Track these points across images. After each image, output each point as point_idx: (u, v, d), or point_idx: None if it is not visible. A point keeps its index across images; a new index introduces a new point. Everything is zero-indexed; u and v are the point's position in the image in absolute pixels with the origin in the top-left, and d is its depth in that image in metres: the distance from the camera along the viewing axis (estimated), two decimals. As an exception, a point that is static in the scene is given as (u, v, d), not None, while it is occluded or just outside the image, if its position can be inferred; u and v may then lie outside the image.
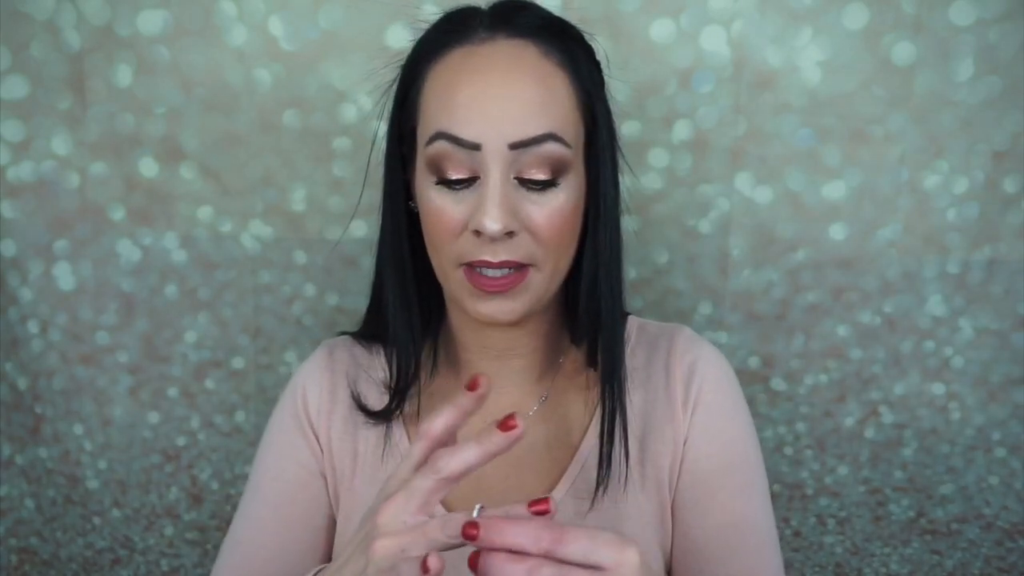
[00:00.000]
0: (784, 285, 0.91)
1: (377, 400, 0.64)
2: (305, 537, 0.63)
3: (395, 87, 0.59)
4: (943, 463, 0.98)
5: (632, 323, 0.68)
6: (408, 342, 0.62)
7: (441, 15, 0.57)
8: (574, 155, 0.53)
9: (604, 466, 0.57)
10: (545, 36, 0.54)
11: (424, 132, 0.54)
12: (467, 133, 0.51)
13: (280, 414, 0.67)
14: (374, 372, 0.66)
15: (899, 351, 0.93)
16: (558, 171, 0.52)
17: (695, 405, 0.62)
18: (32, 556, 1.07)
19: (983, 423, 0.95)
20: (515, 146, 0.51)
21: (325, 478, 0.64)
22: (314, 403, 0.65)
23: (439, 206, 0.53)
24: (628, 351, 0.65)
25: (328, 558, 0.64)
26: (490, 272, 0.52)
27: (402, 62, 0.59)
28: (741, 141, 0.86)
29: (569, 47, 0.55)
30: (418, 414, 0.63)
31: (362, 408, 0.63)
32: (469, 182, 0.52)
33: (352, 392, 0.65)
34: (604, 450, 0.58)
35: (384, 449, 0.63)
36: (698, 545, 0.59)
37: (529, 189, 0.52)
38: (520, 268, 0.53)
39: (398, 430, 0.63)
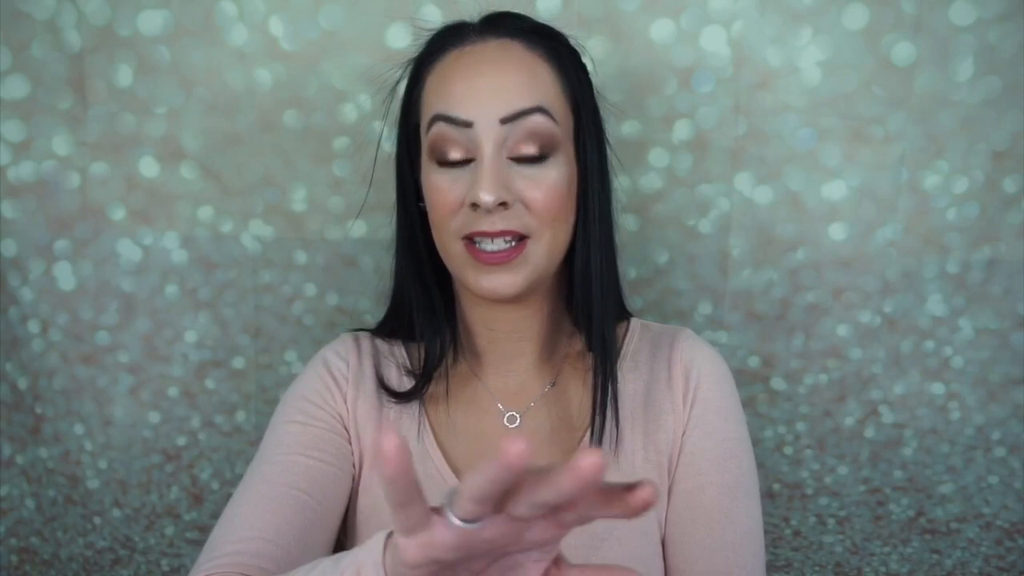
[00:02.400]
0: (784, 285, 0.91)
1: (399, 385, 0.66)
2: (327, 485, 0.61)
3: (401, 97, 0.64)
4: (943, 463, 0.98)
5: (635, 322, 0.71)
6: (434, 330, 0.65)
7: (439, 28, 0.63)
8: (562, 134, 0.58)
9: (595, 439, 0.61)
10: (531, 36, 0.59)
11: (425, 122, 0.59)
12: (461, 112, 0.56)
13: (300, 384, 0.67)
14: (397, 360, 0.69)
15: (899, 351, 0.93)
16: (547, 146, 0.56)
17: (693, 400, 0.64)
18: (32, 556, 1.07)
19: (983, 423, 0.95)
20: (505, 120, 0.55)
21: (349, 434, 0.64)
22: (341, 372, 0.66)
23: (439, 185, 0.58)
24: (633, 344, 0.68)
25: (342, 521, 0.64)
26: (490, 246, 0.56)
27: (404, 65, 0.64)
28: (741, 141, 0.86)
29: (555, 47, 0.60)
30: (446, 395, 0.66)
31: (388, 389, 0.65)
32: (466, 163, 0.57)
33: (377, 373, 0.67)
34: (595, 421, 0.61)
35: (418, 429, 0.65)
36: (685, 536, 0.61)
37: (521, 165, 0.56)
38: (519, 240, 0.57)
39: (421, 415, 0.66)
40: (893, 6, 0.81)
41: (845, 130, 0.85)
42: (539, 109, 0.56)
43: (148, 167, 0.89)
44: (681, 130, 0.87)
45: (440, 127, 0.57)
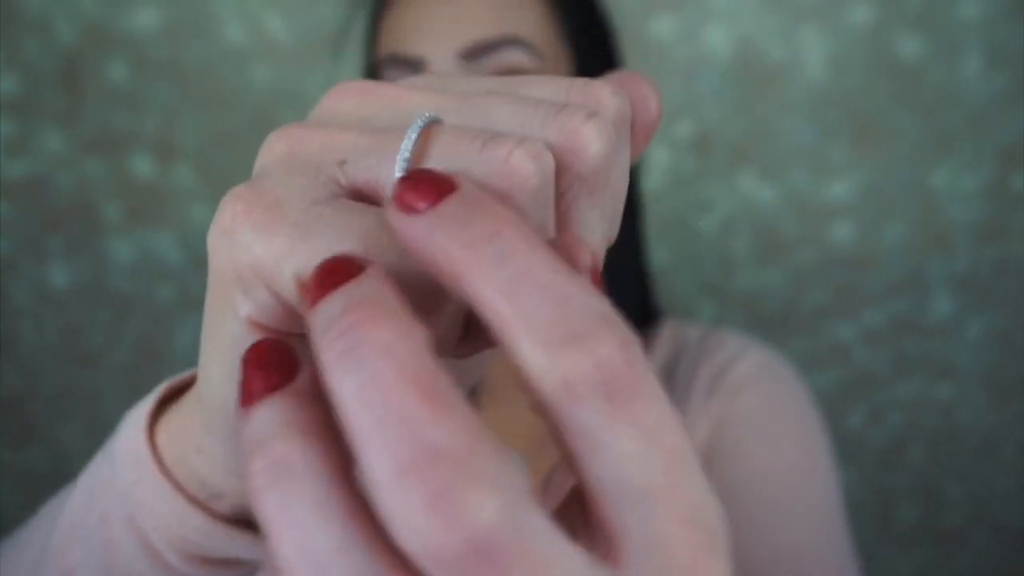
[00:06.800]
0: (788, 285, 0.90)
1: None
2: None
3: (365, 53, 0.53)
4: (951, 466, 0.96)
5: (669, 325, 0.57)
6: None
7: None
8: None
9: None
10: None
11: (379, 69, 0.46)
12: (409, 47, 0.42)
13: None
14: None
15: (905, 351, 0.92)
16: None
17: (719, 418, 0.48)
18: (26, 560, 1.06)
19: (992, 425, 0.94)
20: (467, 54, 0.41)
21: None
22: None
23: None
24: (658, 352, 0.54)
25: None
26: None
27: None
28: (744, 139, 0.85)
29: None
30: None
31: None
32: None
33: None
34: None
35: None
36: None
37: None
38: None
39: None
40: (899, 1, 0.80)
41: (850, 127, 0.84)
42: (512, 40, 0.41)
43: (142, 165, 0.88)
44: (683, 128, 0.85)
45: (391, 74, 0.43)
